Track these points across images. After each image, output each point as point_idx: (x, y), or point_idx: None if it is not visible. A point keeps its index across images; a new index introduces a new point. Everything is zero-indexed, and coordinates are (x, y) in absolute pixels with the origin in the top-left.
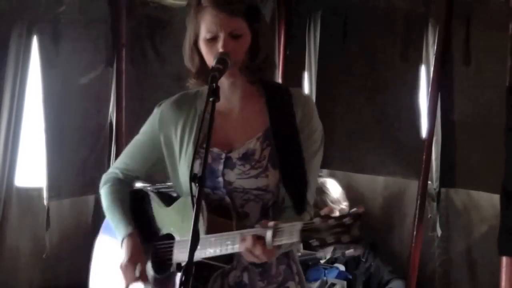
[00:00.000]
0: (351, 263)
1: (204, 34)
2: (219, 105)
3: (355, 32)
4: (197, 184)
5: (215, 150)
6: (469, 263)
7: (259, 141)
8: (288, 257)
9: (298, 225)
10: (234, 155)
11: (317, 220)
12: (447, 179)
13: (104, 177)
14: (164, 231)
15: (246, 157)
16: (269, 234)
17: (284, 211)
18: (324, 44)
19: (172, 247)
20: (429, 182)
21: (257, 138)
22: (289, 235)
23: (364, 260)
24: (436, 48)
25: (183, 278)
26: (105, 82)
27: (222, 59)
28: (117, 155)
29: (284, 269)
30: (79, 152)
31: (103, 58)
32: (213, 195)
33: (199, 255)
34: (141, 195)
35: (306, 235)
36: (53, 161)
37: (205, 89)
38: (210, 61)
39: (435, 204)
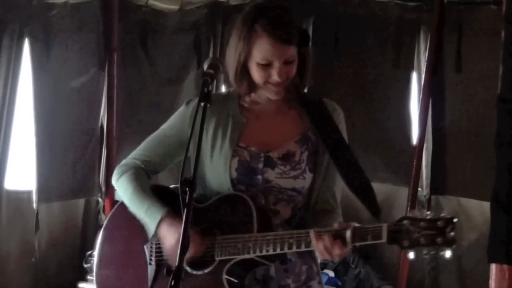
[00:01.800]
0: (341, 269)
1: (257, 59)
2: (253, 107)
3: (347, 38)
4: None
5: (253, 149)
6: (459, 271)
7: (297, 144)
8: (311, 257)
9: (384, 227)
10: (274, 154)
11: (406, 222)
12: (437, 186)
13: (122, 166)
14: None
15: (287, 158)
16: (348, 234)
17: (322, 214)
18: (315, 50)
19: (213, 244)
20: (419, 189)
21: (295, 141)
22: (375, 235)
23: (353, 266)
24: (428, 55)
25: (173, 282)
26: (96, 85)
27: (213, 64)
28: (107, 159)
29: (307, 268)
30: (70, 155)
31: (95, 61)
32: (246, 192)
33: (254, 252)
34: (164, 192)
35: (396, 236)
36: (43, 164)
37: (235, 91)
38: (260, 82)
39: (425, 211)
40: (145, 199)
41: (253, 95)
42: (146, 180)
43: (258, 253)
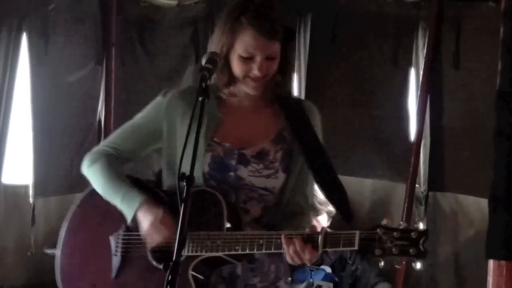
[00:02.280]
0: (338, 265)
1: (239, 51)
2: (231, 100)
3: (345, 34)
4: (185, 183)
5: (227, 145)
6: (456, 267)
7: (272, 143)
8: (279, 257)
9: (357, 234)
10: (248, 152)
11: (380, 231)
12: (435, 182)
13: (93, 154)
14: None
15: (260, 156)
16: (320, 239)
17: (293, 216)
18: (313, 46)
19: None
20: (416, 185)
21: (270, 140)
22: (346, 242)
23: (350, 262)
24: (426, 52)
25: (169, 277)
26: (94, 80)
27: (212, 59)
28: None
29: (275, 268)
30: (67, 150)
31: (93, 56)
32: (217, 189)
33: (222, 250)
34: (138, 185)
35: (368, 244)
36: (40, 159)
37: (213, 86)
38: (240, 75)
39: (422, 207)
40: (122, 185)
41: (232, 88)
42: (120, 167)
43: (226, 252)
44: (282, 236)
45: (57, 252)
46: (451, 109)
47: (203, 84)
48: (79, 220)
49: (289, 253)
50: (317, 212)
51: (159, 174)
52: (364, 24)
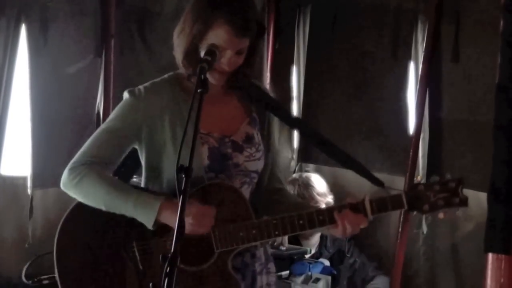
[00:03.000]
0: (336, 258)
1: (211, 41)
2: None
3: (344, 27)
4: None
5: (215, 134)
6: (455, 260)
7: (251, 126)
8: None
9: (403, 194)
10: (237, 138)
11: (421, 187)
12: (433, 176)
13: (76, 168)
14: None
15: (249, 140)
16: (368, 206)
17: (280, 194)
18: (313, 38)
19: (209, 236)
20: (415, 179)
21: (247, 123)
22: (395, 204)
23: (349, 255)
24: (425, 45)
25: (168, 269)
26: (93, 72)
27: (211, 51)
28: None
29: (263, 251)
30: (65, 141)
31: (92, 48)
32: (216, 179)
33: (261, 238)
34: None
35: (415, 202)
36: (38, 150)
37: (173, 78)
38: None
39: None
40: (130, 191)
41: (193, 79)
42: (112, 176)
43: (266, 239)
44: (334, 212)
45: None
46: (451, 102)
47: (202, 76)
48: (70, 243)
49: (344, 225)
50: (315, 203)
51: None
52: (364, 17)
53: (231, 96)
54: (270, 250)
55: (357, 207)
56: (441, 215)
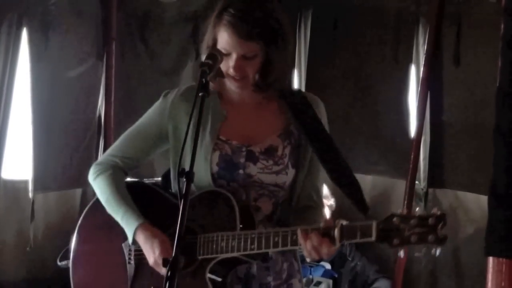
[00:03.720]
0: (337, 262)
1: (219, 45)
2: (233, 98)
3: (345, 30)
4: (184, 179)
5: (234, 142)
6: (456, 264)
7: (280, 139)
8: (291, 254)
9: (373, 224)
10: (256, 149)
11: (395, 220)
12: (434, 179)
13: (100, 165)
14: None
15: (269, 153)
16: (337, 232)
17: (305, 210)
18: (314, 42)
19: (195, 242)
20: (416, 182)
21: (277, 135)
22: (363, 233)
23: (350, 259)
24: (426, 48)
25: (169, 273)
26: (94, 75)
27: (212, 54)
28: (105, 149)
29: (288, 266)
30: (67, 145)
31: (93, 51)
32: (227, 187)
33: (238, 251)
34: (143, 189)
35: (385, 234)
36: (39, 154)
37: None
38: (223, 69)
39: (422, 204)
40: (121, 205)
41: (227, 90)
42: (123, 181)
43: (242, 252)
44: (298, 232)
45: (70, 264)
46: (451, 105)
47: (203, 79)
48: (88, 230)
49: (307, 248)
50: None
51: (166, 176)
52: (365, 20)
53: (273, 105)
54: (297, 266)
55: (327, 231)
56: (401, 253)
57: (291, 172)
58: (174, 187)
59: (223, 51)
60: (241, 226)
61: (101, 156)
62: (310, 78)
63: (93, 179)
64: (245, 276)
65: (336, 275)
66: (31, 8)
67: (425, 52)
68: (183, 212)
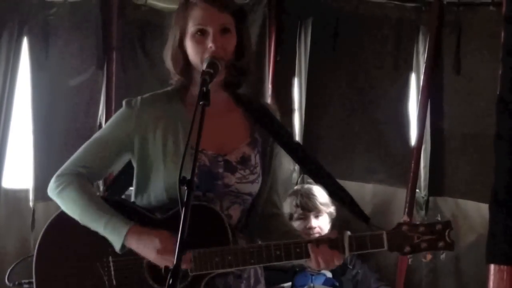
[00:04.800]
0: (338, 270)
1: (192, 29)
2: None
3: (346, 39)
4: (185, 187)
5: (210, 152)
6: (457, 272)
7: (250, 147)
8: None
9: (384, 234)
10: (232, 158)
11: (405, 228)
12: (435, 187)
13: (63, 176)
14: None
15: (244, 162)
16: (346, 243)
17: (272, 218)
18: (314, 50)
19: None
20: (417, 190)
21: (247, 144)
22: (374, 243)
23: (351, 267)
24: (427, 56)
25: (170, 281)
26: (95, 84)
27: (212, 63)
28: None
29: (254, 272)
30: (67, 154)
31: (94, 60)
32: (203, 198)
33: (236, 265)
34: (117, 206)
35: (396, 243)
36: (40, 163)
37: (174, 90)
38: (196, 58)
39: (423, 212)
40: (103, 213)
41: (194, 90)
42: (94, 190)
43: (240, 266)
44: (309, 246)
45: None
46: (452, 113)
47: (204, 88)
48: (51, 250)
49: (317, 261)
50: (318, 213)
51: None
52: (365, 28)
53: (235, 113)
54: (260, 271)
55: (335, 243)
56: (428, 256)
57: (260, 180)
58: (139, 200)
59: (197, 29)
60: (233, 240)
61: (61, 168)
62: (311, 87)
63: (58, 192)
64: (224, 286)
65: (338, 283)
66: (31, 17)
67: (425, 60)
68: (185, 219)
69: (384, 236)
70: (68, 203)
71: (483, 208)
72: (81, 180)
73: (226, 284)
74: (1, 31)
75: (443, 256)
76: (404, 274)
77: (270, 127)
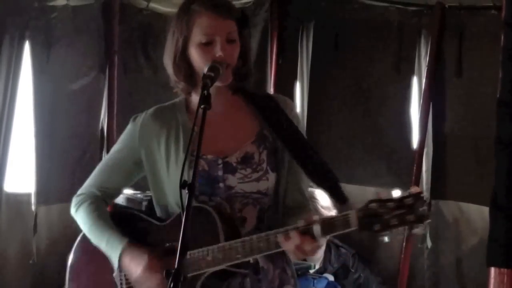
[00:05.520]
0: (340, 274)
1: (198, 38)
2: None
3: (348, 42)
4: (187, 191)
5: (209, 157)
6: (459, 275)
7: (254, 145)
8: (283, 260)
9: (353, 214)
10: (232, 159)
11: (373, 205)
12: (437, 190)
13: (79, 196)
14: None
15: (246, 161)
16: (317, 228)
17: (298, 214)
18: (316, 54)
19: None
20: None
21: (251, 142)
22: (344, 224)
23: (353, 270)
24: (428, 60)
25: (172, 285)
26: (97, 88)
27: (214, 67)
28: None
29: (279, 273)
30: (69, 158)
31: (95, 64)
32: (210, 202)
33: (225, 263)
34: (124, 216)
35: (366, 221)
36: (42, 167)
37: (182, 100)
38: (202, 66)
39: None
40: (105, 231)
41: (197, 97)
42: (105, 210)
43: (229, 263)
44: (278, 235)
45: None
46: (454, 117)
47: (205, 92)
48: (80, 264)
49: (290, 249)
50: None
51: (151, 202)
52: (367, 32)
53: (243, 112)
54: (290, 272)
55: (306, 229)
56: (386, 238)
57: (272, 176)
58: (158, 212)
59: (204, 39)
60: (226, 238)
61: (80, 188)
62: (313, 91)
63: (75, 212)
64: None
65: (339, 287)
66: (33, 22)
67: (427, 64)
68: (186, 222)
69: (353, 215)
70: (80, 223)
71: (485, 211)
72: (94, 201)
73: (242, 286)
74: (3, 35)
75: (417, 230)
76: (406, 277)
77: (275, 124)
